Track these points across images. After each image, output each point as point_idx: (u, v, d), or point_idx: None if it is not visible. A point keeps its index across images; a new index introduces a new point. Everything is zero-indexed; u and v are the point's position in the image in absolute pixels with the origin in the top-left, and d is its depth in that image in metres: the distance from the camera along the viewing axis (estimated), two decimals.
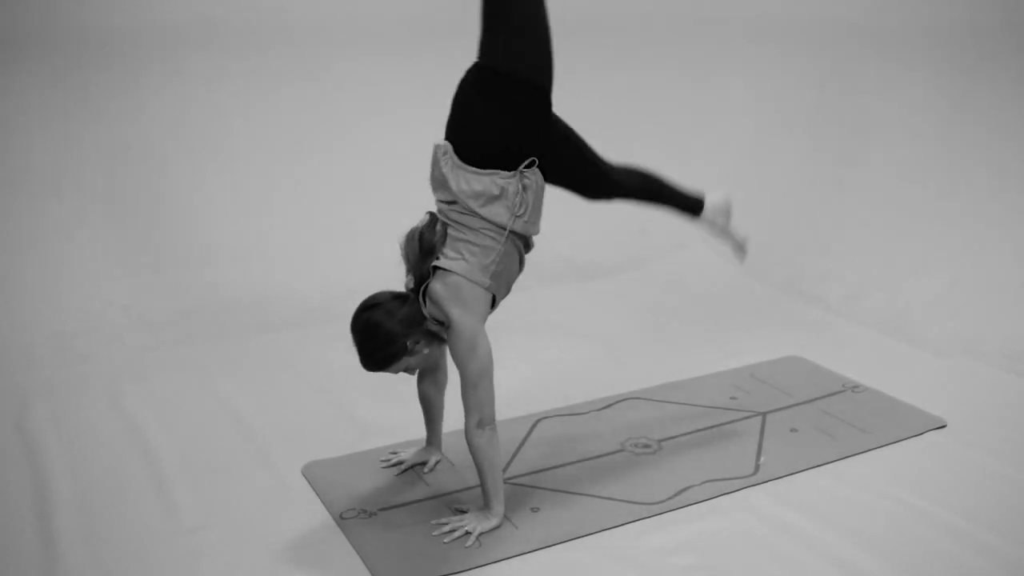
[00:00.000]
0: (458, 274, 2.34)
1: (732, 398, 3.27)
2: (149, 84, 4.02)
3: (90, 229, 3.94)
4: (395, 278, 2.49)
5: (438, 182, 2.41)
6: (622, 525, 2.48)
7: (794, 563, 2.33)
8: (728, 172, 4.88)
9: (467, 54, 2.43)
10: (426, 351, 2.42)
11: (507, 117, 2.35)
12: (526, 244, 2.48)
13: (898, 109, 4.22)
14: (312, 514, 2.54)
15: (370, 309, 2.37)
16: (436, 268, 2.36)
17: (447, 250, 2.37)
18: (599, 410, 3.17)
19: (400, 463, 2.75)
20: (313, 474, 2.74)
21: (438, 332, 2.40)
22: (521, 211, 2.36)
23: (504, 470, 2.68)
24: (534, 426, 3.03)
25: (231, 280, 4.06)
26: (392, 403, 3.14)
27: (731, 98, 4.97)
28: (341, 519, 2.50)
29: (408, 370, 2.44)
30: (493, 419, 2.38)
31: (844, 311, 4.10)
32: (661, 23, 4.98)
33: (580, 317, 4.05)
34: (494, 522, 2.43)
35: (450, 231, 2.38)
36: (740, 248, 2.98)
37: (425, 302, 2.37)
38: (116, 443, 2.92)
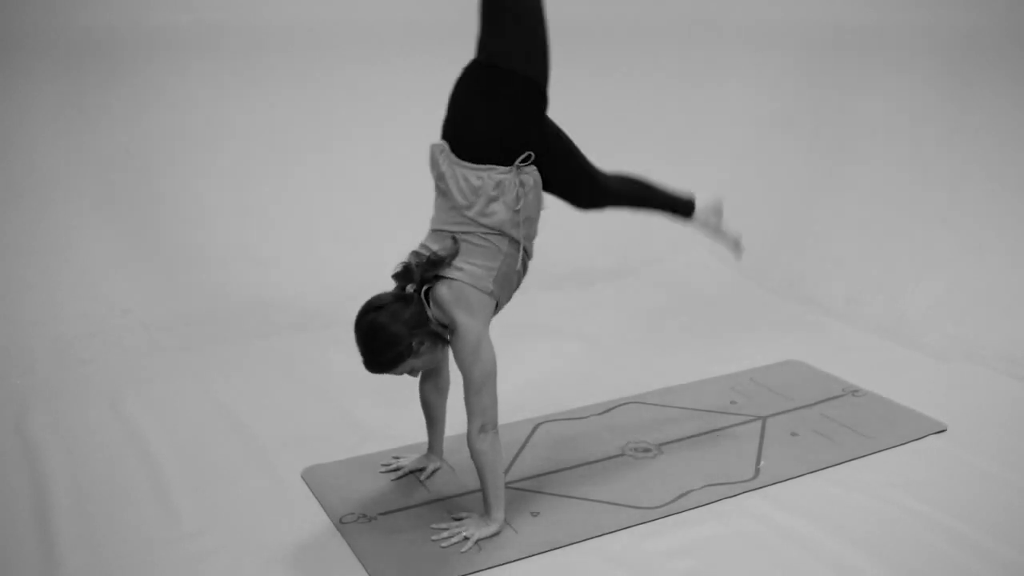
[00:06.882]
0: (463, 281, 2.35)
1: (732, 402, 3.26)
2: (149, 86, 4.02)
3: (90, 232, 3.93)
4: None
5: (441, 191, 2.42)
6: (622, 529, 2.48)
7: (794, 567, 2.33)
8: (727, 175, 4.88)
9: (466, 57, 2.43)
10: (430, 352, 2.42)
11: (504, 113, 2.36)
12: (527, 251, 2.49)
13: (898, 112, 4.22)
14: (312, 518, 2.54)
15: (375, 311, 2.35)
16: (440, 276, 2.37)
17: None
18: (599, 414, 3.16)
19: (399, 468, 2.75)
20: (313, 478, 2.73)
21: (442, 334, 2.40)
22: (519, 206, 2.36)
23: (504, 474, 2.68)
24: (534, 430, 3.03)
25: (231, 284, 4.06)
26: (392, 407, 3.14)
27: (730, 101, 4.97)
28: (341, 523, 2.50)
29: (412, 372, 2.44)
30: (496, 424, 2.38)
31: (844, 315, 4.10)
32: (660, 25, 4.98)
33: (580, 321, 4.04)
34: (493, 528, 2.42)
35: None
36: (736, 246, 3.03)
37: (429, 303, 2.37)
38: (116, 447, 2.91)
